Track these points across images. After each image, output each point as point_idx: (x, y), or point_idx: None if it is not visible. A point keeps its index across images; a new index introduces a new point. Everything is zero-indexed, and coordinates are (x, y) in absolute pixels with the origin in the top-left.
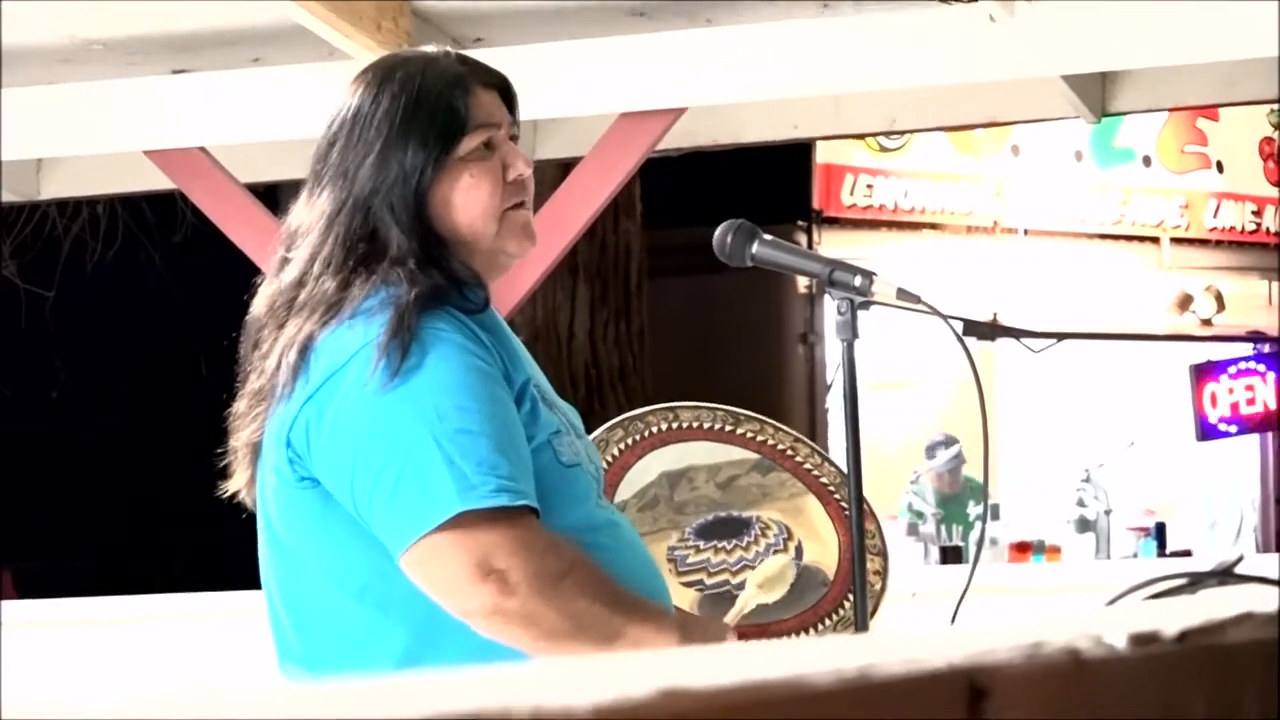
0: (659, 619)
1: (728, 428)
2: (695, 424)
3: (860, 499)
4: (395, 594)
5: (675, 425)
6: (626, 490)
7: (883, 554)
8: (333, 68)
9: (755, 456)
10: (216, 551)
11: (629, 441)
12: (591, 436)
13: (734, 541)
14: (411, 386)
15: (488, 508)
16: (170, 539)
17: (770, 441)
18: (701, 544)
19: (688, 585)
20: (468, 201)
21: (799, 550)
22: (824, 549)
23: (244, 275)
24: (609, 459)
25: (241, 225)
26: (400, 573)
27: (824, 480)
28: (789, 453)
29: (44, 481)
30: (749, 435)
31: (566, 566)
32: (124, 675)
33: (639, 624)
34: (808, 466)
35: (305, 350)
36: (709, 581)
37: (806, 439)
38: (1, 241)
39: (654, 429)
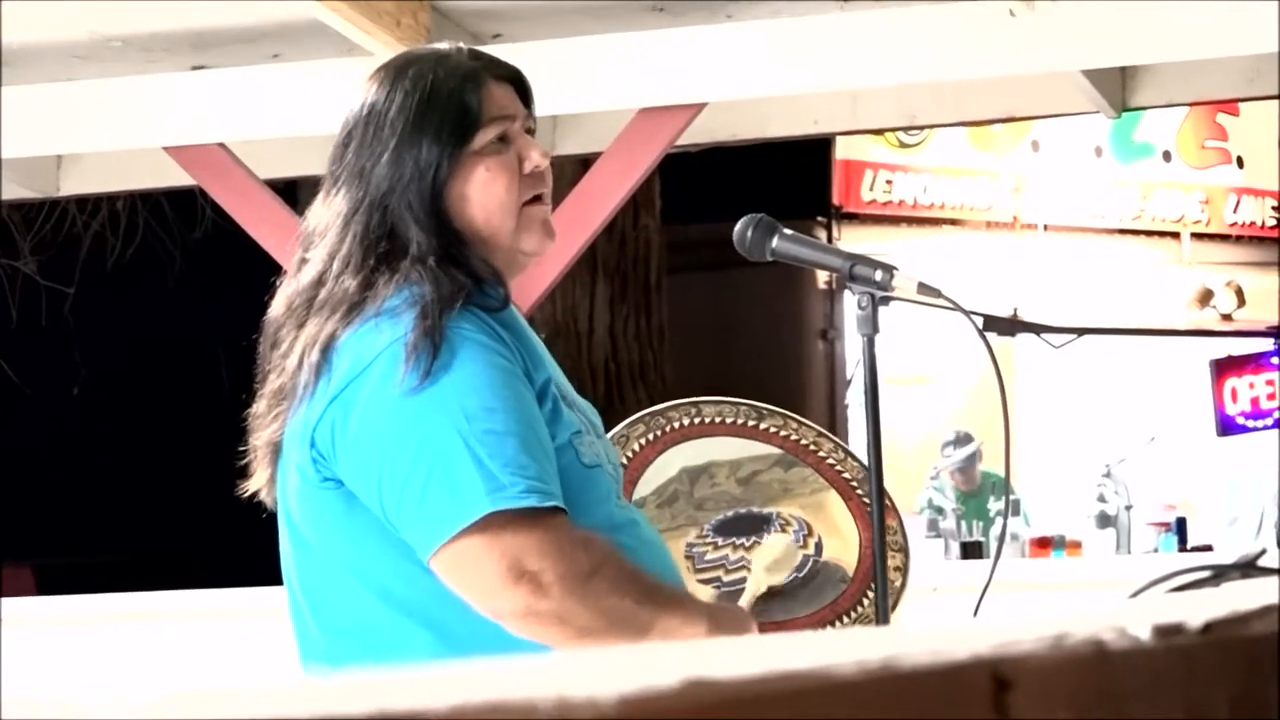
0: (687, 608)
1: (751, 423)
2: (718, 419)
3: (882, 494)
4: (418, 595)
5: (698, 420)
6: (646, 486)
7: (904, 550)
8: (352, 64)
9: (778, 452)
10: (237, 548)
11: (650, 437)
12: (612, 432)
13: (753, 538)
14: (439, 388)
15: (517, 509)
16: (190, 535)
17: (794, 437)
18: (720, 540)
19: (705, 582)
20: (484, 196)
21: (819, 547)
22: (845, 545)
23: (264, 272)
24: (629, 454)
25: (261, 221)
26: (423, 575)
27: (846, 476)
28: (812, 448)
29: (65, 478)
30: (772, 430)
31: (597, 564)
32: (146, 672)
33: (668, 615)
34: (830, 462)
35: (328, 349)
36: (726, 579)
37: (830, 434)
38: (21, 238)
39: (676, 424)
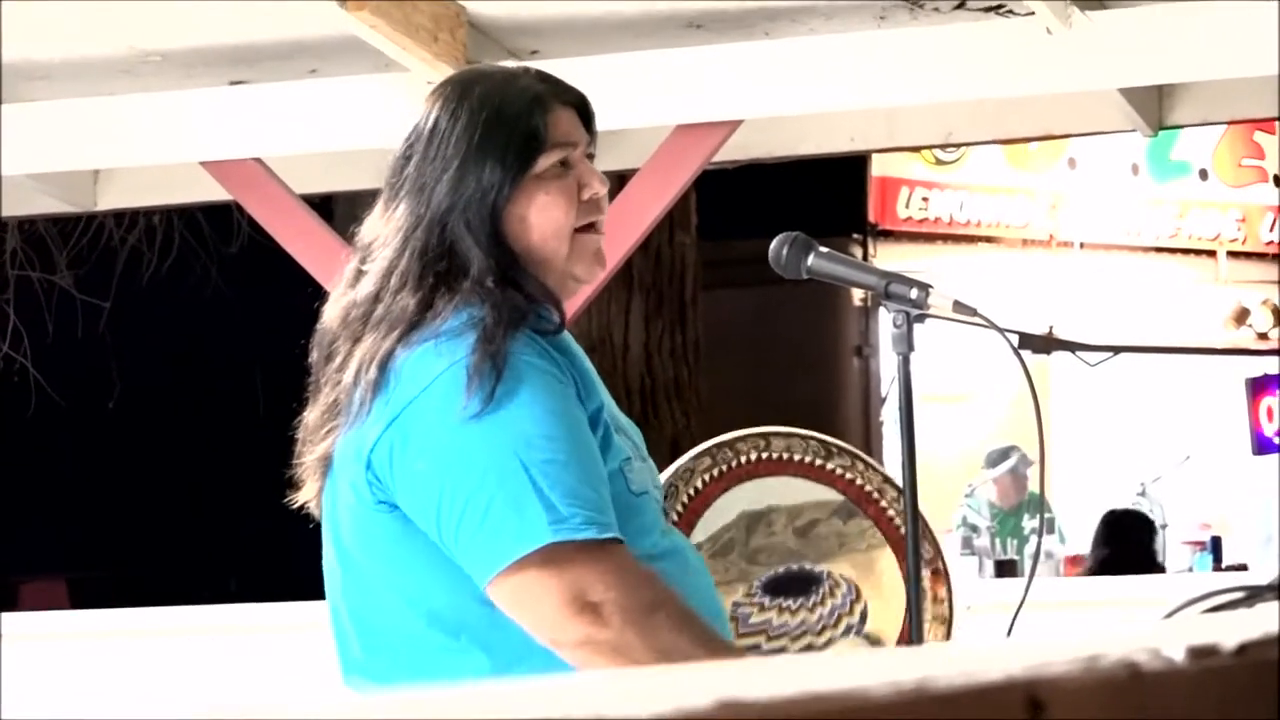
0: (739, 659)
1: (819, 461)
2: (786, 454)
3: (916, 510)
4: (467, 621)
5: (765, 454)
6: (703, 531)
7: (947, 622)
8: (389, 79)
9: (840, 499)
10: (272, 563)
11: (716, 472)
12: (678, 464)
13: (800, 600)
14: (502, 415)
15: (578, 540)
16: (225, 549)
17: (858, 481)
18: (767, 601)
19: (745, 648)
20: (542, 219)
21: (864, 615)
22: (887, 609)
23: (299, 286)
24: (693, 490)
25: (297, 236)
26: (473, 601)
27: (904, 531)
28: (874, 496)
29: (99, 491)
30: (838, 472)
31: (660, 600)
32: (179, 687)
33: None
34: (890, 514)
35: (385, 367)
36: (766, 646)
37: (895, 481)
38: (58, 252)
39: (744, 458)
